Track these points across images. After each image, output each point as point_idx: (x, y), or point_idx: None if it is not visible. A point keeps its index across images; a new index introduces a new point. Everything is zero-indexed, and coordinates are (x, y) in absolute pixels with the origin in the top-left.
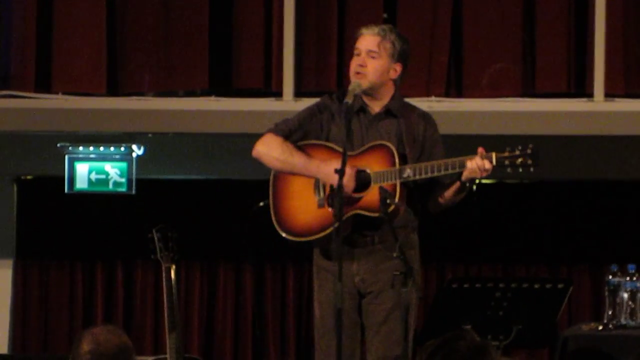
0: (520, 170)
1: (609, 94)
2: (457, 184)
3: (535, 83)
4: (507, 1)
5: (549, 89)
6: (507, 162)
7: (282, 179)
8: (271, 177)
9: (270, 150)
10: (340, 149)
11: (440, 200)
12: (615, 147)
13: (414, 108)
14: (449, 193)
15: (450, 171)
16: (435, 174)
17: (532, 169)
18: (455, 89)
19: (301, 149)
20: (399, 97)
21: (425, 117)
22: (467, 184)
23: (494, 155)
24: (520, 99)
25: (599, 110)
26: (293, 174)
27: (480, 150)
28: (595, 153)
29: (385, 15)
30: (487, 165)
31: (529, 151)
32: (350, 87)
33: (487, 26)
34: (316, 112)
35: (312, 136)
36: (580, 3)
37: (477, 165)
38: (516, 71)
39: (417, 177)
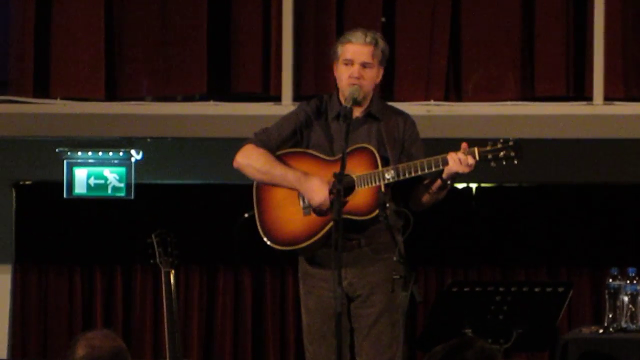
0: (504, 163)
1: (608, 98)
2: (438, 182)
3: (534, 87)
4: (506, 5)
5: (548, 93)
6: (490, 156)
7: (266, 189)
8: (254, 187)
9: (251, 162)
10: (323, 156)
11: (423, 199)
12: (615, 151)
13: (393, 109)
14: (431, 191)
15: (434, 169)
16: (419, 173)
17: (516, 162)
18: (455, 93)
19: (284, 158)
20: (378, 98)
21: (404, 117)
22: (449, 182)
23: (476, 149)
24: (520, 102)
25: (598, 114)
26: (274, 185)
27: (463, 145)
28: (595, 156)
29: (383, 20)
30: (470, 160)
31: (511, 143)
32: (350, 91)
33: (485, 30)
34: (295, 121)
35: (292, 145)
36: (579, 6)
37: (459, 159)
38: (515, 75)
39: (401, 177)
